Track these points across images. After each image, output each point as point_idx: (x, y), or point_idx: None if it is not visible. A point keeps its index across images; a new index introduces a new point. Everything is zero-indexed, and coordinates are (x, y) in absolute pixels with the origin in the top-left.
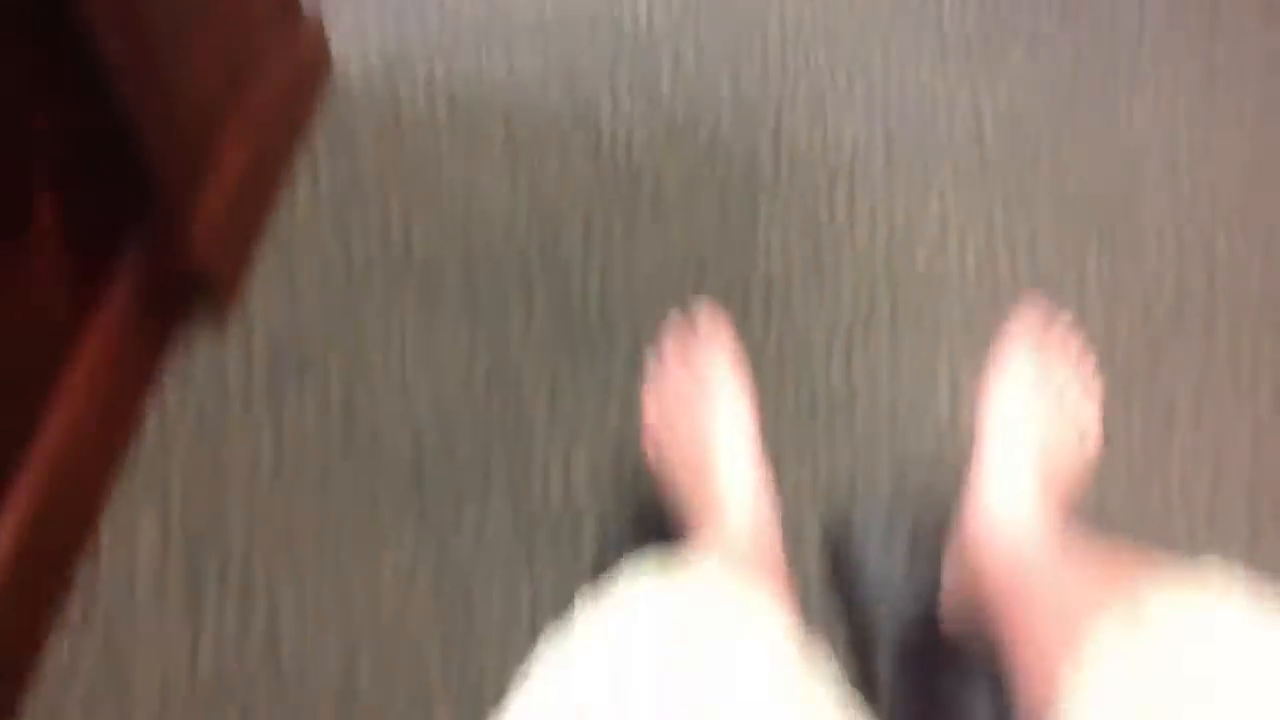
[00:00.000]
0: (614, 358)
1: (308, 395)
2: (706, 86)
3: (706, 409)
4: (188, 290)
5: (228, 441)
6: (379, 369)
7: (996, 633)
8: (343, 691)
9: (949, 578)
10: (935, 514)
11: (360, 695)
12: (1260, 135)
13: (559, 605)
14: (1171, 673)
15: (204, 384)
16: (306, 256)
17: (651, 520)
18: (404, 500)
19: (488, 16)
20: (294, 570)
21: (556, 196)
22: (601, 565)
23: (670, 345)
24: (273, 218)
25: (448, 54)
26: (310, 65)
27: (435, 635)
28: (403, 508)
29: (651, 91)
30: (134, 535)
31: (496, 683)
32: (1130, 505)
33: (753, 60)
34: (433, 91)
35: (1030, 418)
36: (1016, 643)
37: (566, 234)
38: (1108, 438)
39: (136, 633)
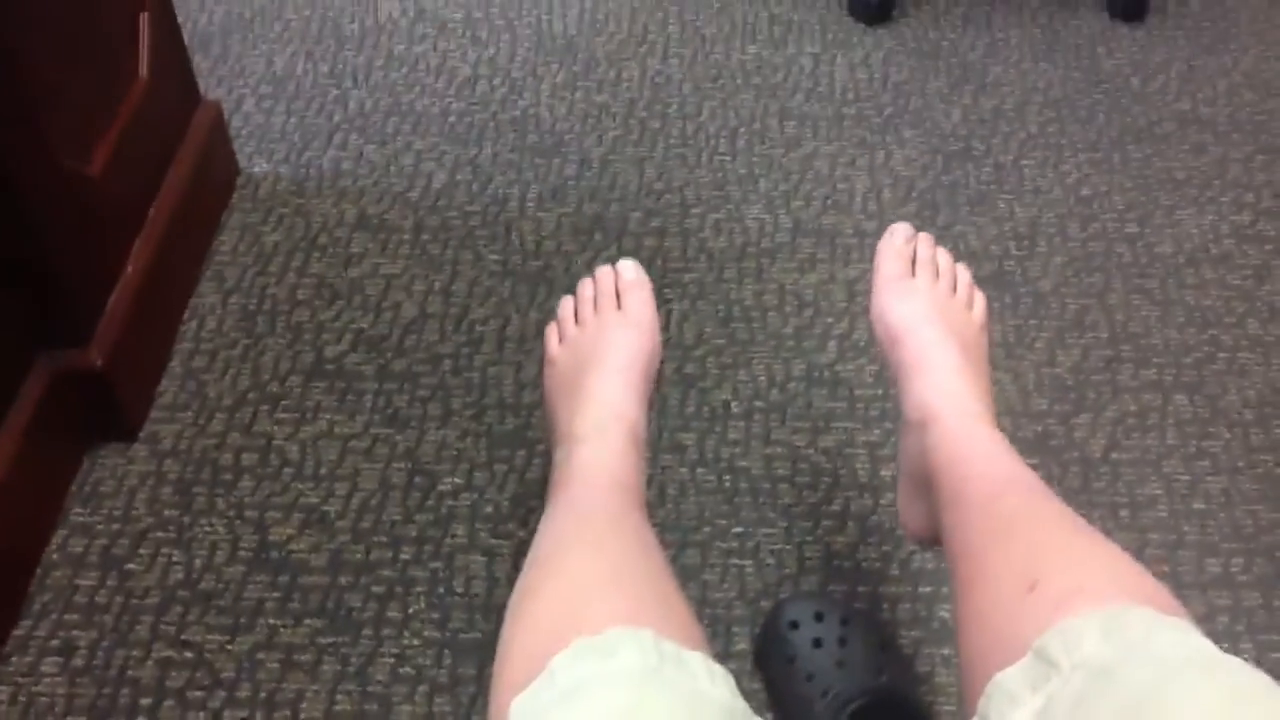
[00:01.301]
0: (532, 463)
1: (217, 515)
2: (613, 182)
3: (609, 340)
4: (94, 405)
5: (135, 564)
6: (292, 486)
7: (946, 550)
8: None
9: (903, 481)
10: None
11: None
12: (1143, 188)
13: None
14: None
15: (110, 504)
16: (216, 367)
17: None
18: (318, 626)
19: (394, 114)
20: (207, 715)
21: (468, 296)
22: None
23: (591, 284)
24: (181, 327)
25: (354, 152)
26: (217, 170)
27: None
28: (317, 631)
29: (559, 187)
30: (39, 664)
31: None
32: None
33: (655, 154)
34: (340, 190)
35: (923, 302)
36: (956, 618)
37: (480, 335)
38: None
39: None
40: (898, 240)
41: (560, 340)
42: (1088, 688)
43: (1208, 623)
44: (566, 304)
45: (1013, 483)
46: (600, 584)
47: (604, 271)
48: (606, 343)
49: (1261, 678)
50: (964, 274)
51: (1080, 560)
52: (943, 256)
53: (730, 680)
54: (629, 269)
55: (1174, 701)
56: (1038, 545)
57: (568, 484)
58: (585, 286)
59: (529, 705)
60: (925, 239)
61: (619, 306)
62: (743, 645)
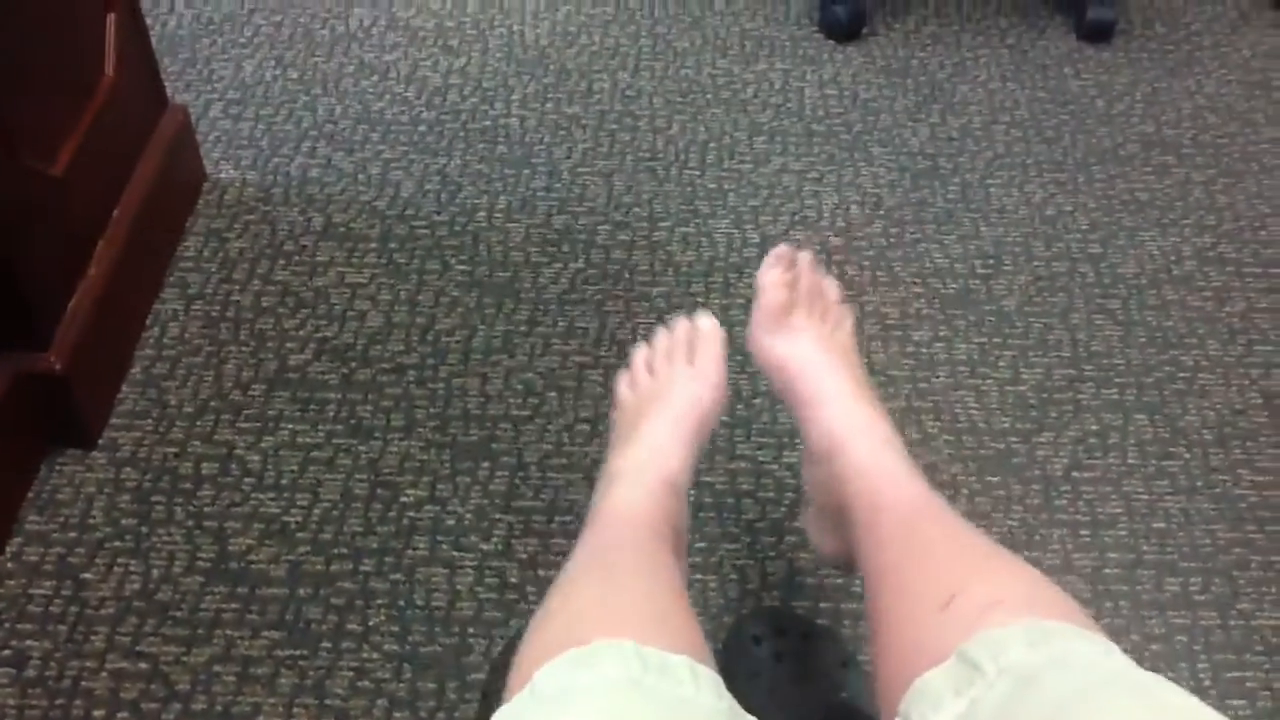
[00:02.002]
0: (496, 476)
1: (176, 524)
2: (582, 194)
3: (671, 389)
4: (52, 410)
5: (91, 574)
6: (253, 496)
7: (861, 570)
8: None
9: (810, 510)
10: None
11: None
12: (1107, 209)
13: None
14: None
15: (67, 512)
16: (177, 374)
17: None
18: (275, 638)
19: (363, 122)
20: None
21: (434, 306)
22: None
23: (666, 335)
24: (143, 333)
25: (322, 160)
26: (182, 174)
27: None
28: (275, 644)
29: (528, 199)
30: None
31: None
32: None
33: (624, 167)
34: (307, 198)
35: (806, 336)
36: (872, 634)
37: (446, 346)
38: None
39: None
40: (778, 271)
41: (632, 385)
42: (1013, 693)
43: (1165, 642)
44: (640, 353)
45: (928, 507)
46: (595, 604)
47: (680, 323)
48: (668, 391)
49: (1187, 696)
50: (831, 291)
51: (999, 577)
52: (815, 277)
53: (717, 681)
54: (705, 322)
55: (1099, 711)
56: (956, 563)
57: (595, 519)
58: (661, 337)
59: (509, 717)
60: (806, 264)
61: (691, 360)
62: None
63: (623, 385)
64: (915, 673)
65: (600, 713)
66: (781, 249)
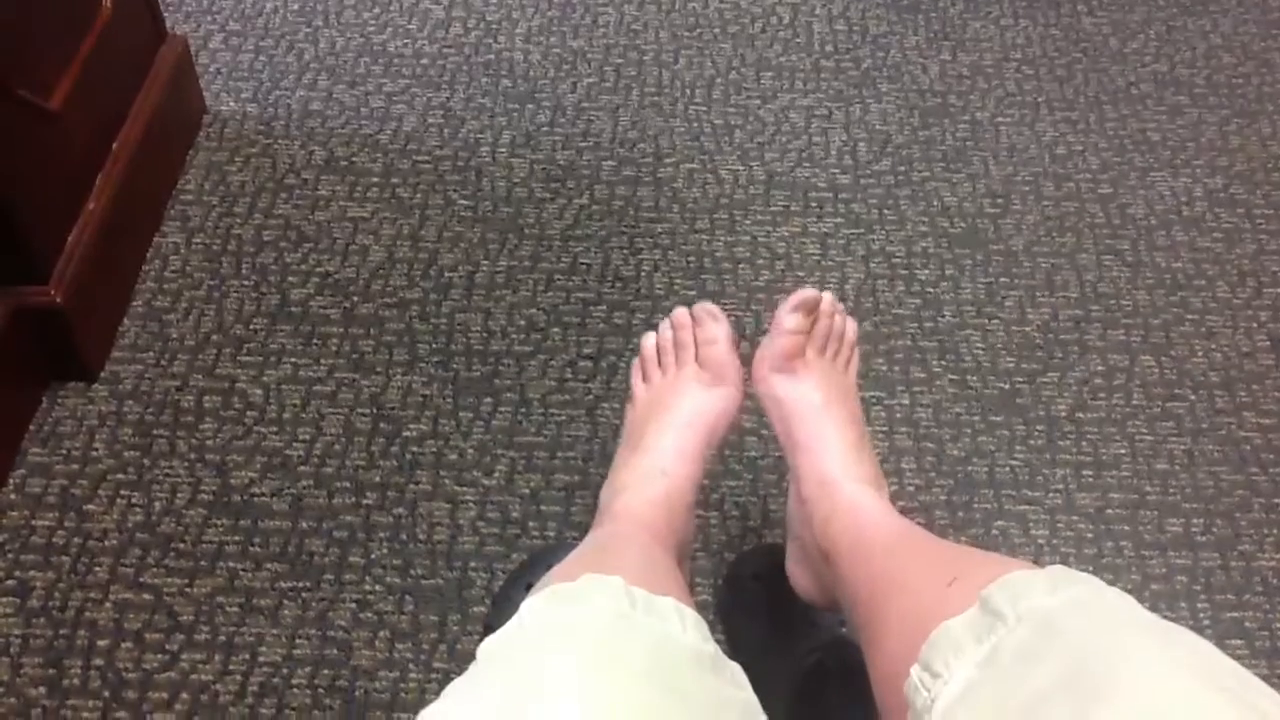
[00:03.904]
0: (498, 411)
1: (178, 457)
2: (586, 129)
3: (681, 395)
4: (53, 343)
5: (94, 505)
6: (255, 430)
7: (849, 611)
8: None
9: (794, 546)
10: None
11: None
12: (1118, 149)
13: None
14: (1029, 673)
15: (69, 444)
16: (179, 308)
17: None
18: (278, 570)
19: (365, 55)
20: (165, 657)
21: (437, 241)
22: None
23: (669, 327)
24: (144, 267)
25: (324, 93)
26: (182, 107)
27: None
28: (278, 576)
29: (531, 134)
30: None
31: None
32: (1017, 511)
33: (629, 102)
34: (308, 131)
35: (813, 383)
36: (865, 630)
37: (448, 281)
38: (989, 451)
39: None
40: (799, 317)
41: (645, 379)
42: (1033, 637)
43: (1166, 582)
44: (649, 340)
45: (912, 531)
46: (584, 563)
47: (681, 317)
48: (678, 397)
49: (1204, 641)
50: (850, 332)
51: (998, 566)
52: (836, 321)
53: (702, 625)
54: (709, 326)
55: (1119, 656)
56: (953, 558)
57: (598, 526)
58: (665, 329)
59: (498, 647)
60: (827, 309)
61: (702, 361)
62: (705, 596)
63: (636, 378)
64: (923, 638)
65: (587, 645)
66: (808, 294)
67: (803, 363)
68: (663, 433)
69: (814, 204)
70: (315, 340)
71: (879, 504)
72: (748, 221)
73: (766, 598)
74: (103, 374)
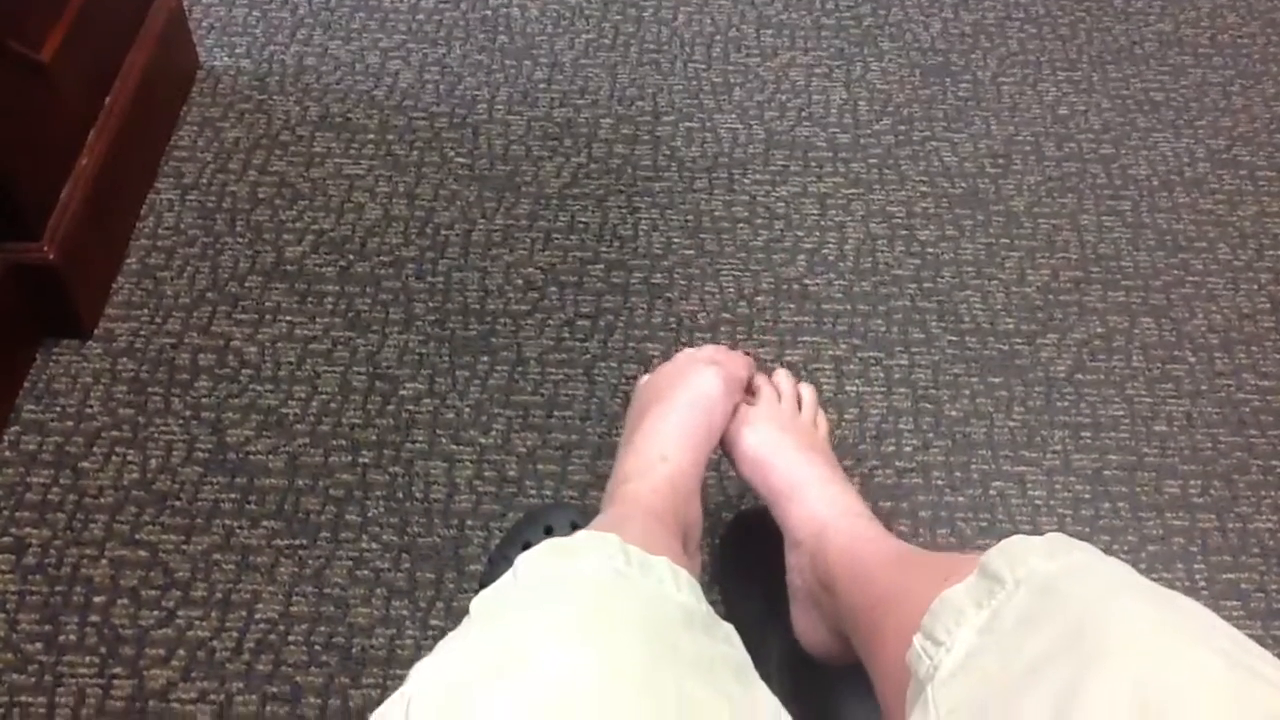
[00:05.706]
0: (495, 370)
1: (173, 415)
2: (584, 87)
3: (684, 375)
4: (46, 300)
5: (89, 463)
6: (250, 388)
7: (853, 632)
8: None
9: (797, 601)
10: None
11: None
12: (1120, 110)
13: None
14: (1030, 641)
15: (64, 401)
16: (173, 265)
17: None
18: (274, 528)
19: (360, 10)
20: (161, 613)
21: (433, 199)
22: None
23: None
24: (138, 223)
25: (319, 48)
26: (175, 61)
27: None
28: (274, 533)
29: (529, 91)
30: None
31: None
32: (1014, 490)
33: (628, 59)
34: (303, 87)
35: (770, 426)
36: (869, 643)
37: (445, 239)
38: (988, 418)
39: None
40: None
41: (649, 372)
42: (1033, 601)
43: (1162, 544)
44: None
45: (911, 549)
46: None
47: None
48: (681, 378)
49: (1202, 607)
50: (808, 394)
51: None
52: (785, 382)
53: (696, 585)
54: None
55: (1117, 619)
56: (952, 558)
57: (602, 516)
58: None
59: (491, 601)
60: (785, 381)
61: (710, 357)
62: (703, 556)
63: (642, 378)
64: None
65: (583, 600)
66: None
67: (754, 409)
68: (663, 417)
69: (814, 163)
70: (310, 298)
71: (873, 528)
72: (746, 180)
73: (764, 558)
74: (97, 331)
